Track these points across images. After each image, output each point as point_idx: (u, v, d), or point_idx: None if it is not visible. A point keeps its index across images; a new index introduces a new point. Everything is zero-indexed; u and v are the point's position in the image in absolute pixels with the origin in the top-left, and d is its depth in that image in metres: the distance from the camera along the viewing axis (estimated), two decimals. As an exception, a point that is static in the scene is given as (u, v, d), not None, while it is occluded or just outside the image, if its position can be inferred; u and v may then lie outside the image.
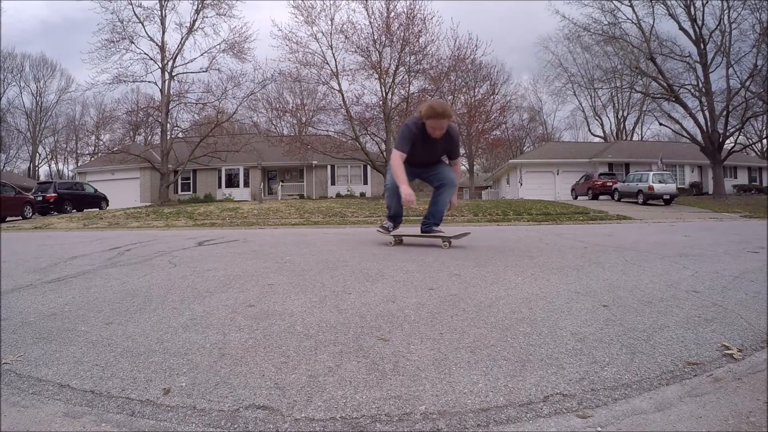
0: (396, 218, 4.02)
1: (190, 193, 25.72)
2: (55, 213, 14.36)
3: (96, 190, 18.20)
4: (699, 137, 20.74)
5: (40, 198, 14.57)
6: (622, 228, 6.66)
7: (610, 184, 19.22)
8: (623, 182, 17.93)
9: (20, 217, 12.76)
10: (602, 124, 41.00)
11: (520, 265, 2.69)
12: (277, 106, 21.53)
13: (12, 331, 1.53)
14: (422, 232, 3.87)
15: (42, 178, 37.85)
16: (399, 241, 3.91)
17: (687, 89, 20.75)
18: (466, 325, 1.52)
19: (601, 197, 19.29)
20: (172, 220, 9.54)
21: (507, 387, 1.06)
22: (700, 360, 1.21)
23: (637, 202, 15.62)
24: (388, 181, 3.78)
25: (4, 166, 39.30)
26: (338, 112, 20.50)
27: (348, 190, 25.31)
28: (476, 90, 21.22)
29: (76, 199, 16.12)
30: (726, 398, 1.00)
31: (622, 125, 40.13)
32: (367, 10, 18.45)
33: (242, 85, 20.44)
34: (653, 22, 20.16)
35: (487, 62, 24.54)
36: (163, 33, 19.75)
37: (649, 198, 15.24)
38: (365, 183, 26.32)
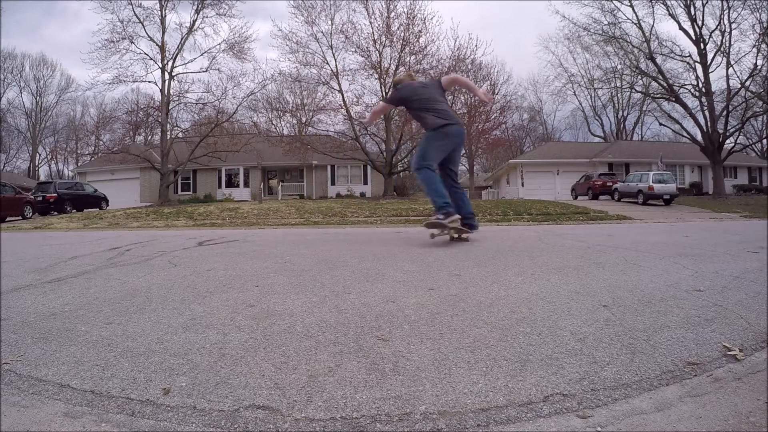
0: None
1: (190, 193, 25.70)
2: (55, 213, 14.34)
3: (96, 190, 18.18)
4: (699, 137, 20.73)
5: (40, 198, 14.56)
6: (622, 228, 6.65)
7: (610, 184, 19.20)
8: (623, 182, 17.91)
9: (20, 217, 12.75)
10: (602, 124, 40.94)
11: (520, 265, 2.68)
12: (277, 106, 21.56)
13: (12, 331, 1.53)
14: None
15: (42, 178, 37.78)
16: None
17: (687, 89, 20.75)
18: (466, 325, 1.52)
19: (601, 197, 19.27)
20: (172, 220, 9.53)
21: (507, 387, 1.06)
22: (700, 360, 1.21)
23: (637, 202, 15.60)
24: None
25: (4, 166, 39.30)
26: (338, 112, 20.52)
27: (348, 191, 25.28)
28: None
29: (76, 199, 16.10)
30: (726, 398, 1.00)
31: (622, 125, 40.09)
32: (367, 10, 18.51)
33: (242, 85, 20.54)
34: (653, 22, 20.24)
35: (487, 62, 24.55)
36: (163, 33, 19.79)
37: (649, 198, 15.22)
38: (365, 183, 26.30)
